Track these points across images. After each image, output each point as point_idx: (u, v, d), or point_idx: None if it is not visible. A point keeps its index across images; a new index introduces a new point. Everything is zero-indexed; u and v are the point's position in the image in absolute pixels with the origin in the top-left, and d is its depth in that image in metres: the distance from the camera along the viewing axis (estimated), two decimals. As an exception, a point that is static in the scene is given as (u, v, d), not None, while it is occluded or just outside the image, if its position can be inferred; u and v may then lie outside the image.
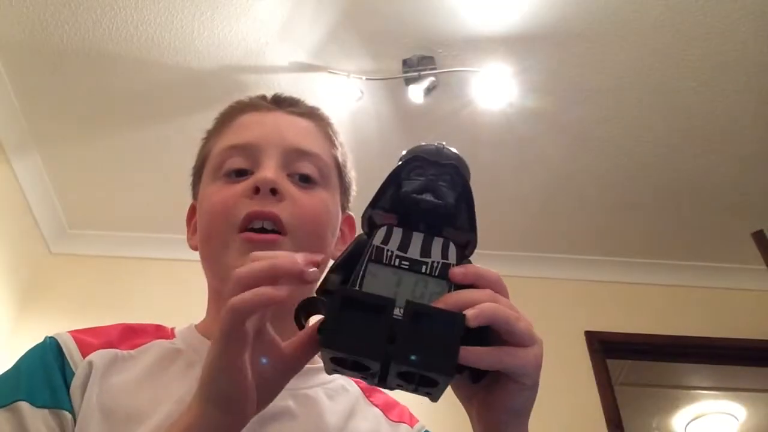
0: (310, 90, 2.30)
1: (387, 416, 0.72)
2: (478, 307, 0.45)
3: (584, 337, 2.84)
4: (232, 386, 0.48)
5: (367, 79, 2.33)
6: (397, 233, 0.51)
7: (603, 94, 2.41)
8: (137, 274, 2.81)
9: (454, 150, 0.54)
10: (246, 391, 0.48)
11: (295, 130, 0.77)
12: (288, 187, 0.71)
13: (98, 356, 0.64)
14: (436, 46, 2.26)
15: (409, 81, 2.32)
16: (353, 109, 2.40)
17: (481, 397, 0.51)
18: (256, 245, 0.66)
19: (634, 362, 3.41)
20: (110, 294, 2.70)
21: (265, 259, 0.48)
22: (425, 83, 2.31)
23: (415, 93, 2.33)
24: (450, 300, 0.47)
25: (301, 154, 0.74)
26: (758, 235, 2.48)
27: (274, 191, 0.69)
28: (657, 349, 2.90)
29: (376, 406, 0.73)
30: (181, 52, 2.25)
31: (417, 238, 0.51)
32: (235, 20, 2.16)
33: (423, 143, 0.54)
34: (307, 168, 0.74)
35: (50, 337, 0.65)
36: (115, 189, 2.78)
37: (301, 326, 0.50)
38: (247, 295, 0.46)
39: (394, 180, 0.52)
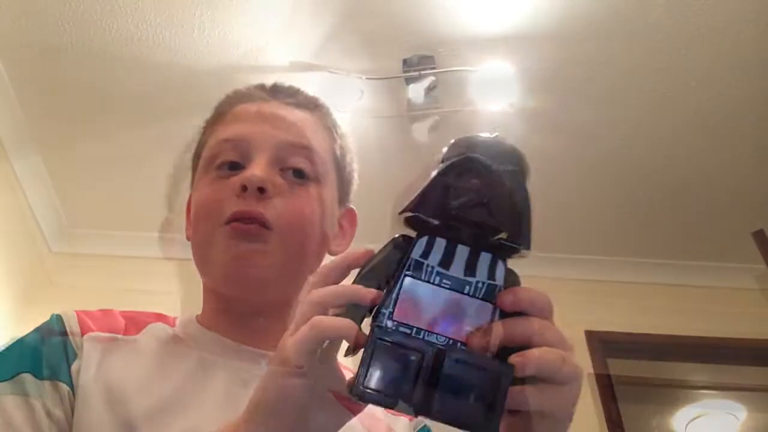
0: (310, 89, 2.30)
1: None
2: (524, 357, 0.43)
3: (584, 337, 2.84)
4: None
5: (367, 78, 2.33)
6: (440, 246, 0.45)
7: (603, 94, 2.41)
8: (137, 274, 2.80)
9: (514, 149, 0.46)
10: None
11: (289, 122, 0.76)
12: (278, 184, 0.70)
13: (98, 336, 0.65)
14: (436, 46, 2.26)
15: (409, 80, 2.32)
16: (353, 109, 2.40)
17: (510, 423, 0.48)
18: (241, 235, 0.67)
19: (635, 362, 3.40)
20: (110, 293, 2.70)
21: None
22: (425, 83, 2.31)
23: (416, 92, 2.33)
24: (497, 336, 0.43)
25: (294, 148, 0.73)
26: (758, 235, 2.48)
27: (261, 190, 0.68)
28: (657, 349, 2.90)
29: None
30: (181, 52, 2.25)
31: (461, 253, 0.45)
32: (235, 20, 2.16)
33: (477, 136, 0.46)
34: (300, 162, 0.73)
35: (56, 315, 0.67)
36: (115, 188, 2.78)
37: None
38: (329, 289, 0.45)
39: (440, 183, 0.43)
